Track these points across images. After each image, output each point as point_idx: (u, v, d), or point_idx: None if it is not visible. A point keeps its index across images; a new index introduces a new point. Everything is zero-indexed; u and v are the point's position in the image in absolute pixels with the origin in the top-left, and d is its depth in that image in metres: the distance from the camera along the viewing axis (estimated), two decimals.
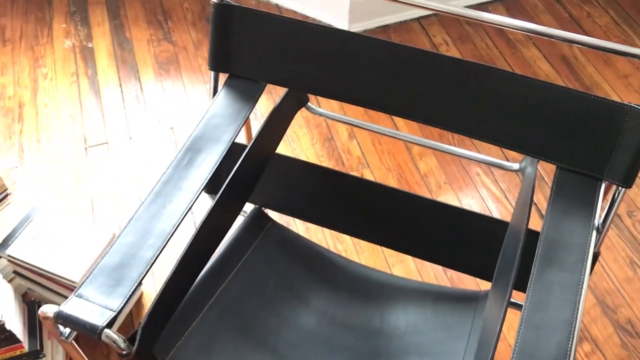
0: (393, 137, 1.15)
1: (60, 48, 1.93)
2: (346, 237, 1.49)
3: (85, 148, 1.68)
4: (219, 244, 1.00)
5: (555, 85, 0.84)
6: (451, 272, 1.43)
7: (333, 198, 1.12)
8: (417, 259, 1.45)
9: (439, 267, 1.44)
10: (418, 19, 2.05)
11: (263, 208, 1.15)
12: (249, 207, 1.14)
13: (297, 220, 1.51)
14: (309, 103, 1.14)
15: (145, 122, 1.75)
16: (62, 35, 1.97)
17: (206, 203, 1.17)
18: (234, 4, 0.96)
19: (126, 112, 1.77)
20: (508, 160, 1.13)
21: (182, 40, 1.96)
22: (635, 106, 0.81)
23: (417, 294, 1.07)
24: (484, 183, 1.61)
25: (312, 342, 0.98)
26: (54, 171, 1.63)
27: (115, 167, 1.64)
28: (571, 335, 0.74)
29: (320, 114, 1.18)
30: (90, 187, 1.59)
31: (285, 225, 1.13)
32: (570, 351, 0.72)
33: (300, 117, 1.74)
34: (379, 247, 1.47)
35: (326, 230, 1.50)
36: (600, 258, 1.47)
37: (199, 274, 0.99)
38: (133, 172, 1.63)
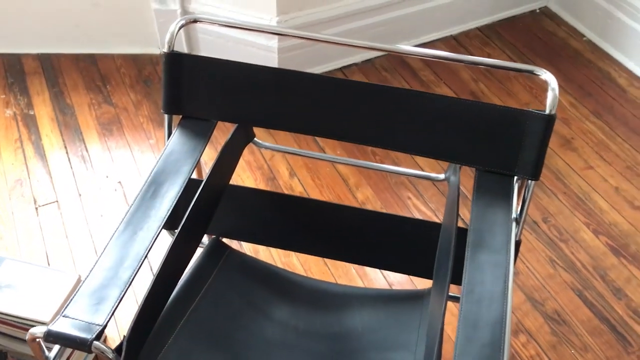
0: (324, 160, 1.29)
1: (1, 117, 1.98)
2: (294, 260, 1.60)
3: (36, 208, 1.72)
4: (180, 276, 1.08)
5: (468, 100, 1.00)
6: (392, 279, 1.56)
7: (282, 219, 1.22)
8: (360, 270, 1.58)
9: (380, 276, 1.57)
10: (341, 68, 2.23)
11: (220, 237, 1.24)
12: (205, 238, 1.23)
13: (244, 244, 1.61)
14: (255, 138, 1.26)
15: (93, 179, 1.81)
16: (1, 105, 2.02)
17: (165, 239, 1.25)
18: (182, 52, 1.08)
19: (73, 171, 1.83)
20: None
21: (122, 101, 2.06)
22: (533, 111, 0.97)
23: (369, 299, 1.18)
24: (415, 205, 1.77)
25: (279, 350, 1.07)
26: (5, 232, 1.66)
27: (68, 223, 1.69)
28: (505, 303, 0.86)
29: (266, 147, 1.30)
30: (44, 243, 1.63)
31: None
32: (506, 316, 0.85)
33: (243, 162, 1.86)
34: (324, 264, 1.59)
35: (275, 255, 1.60)
36: (524, 259, 1.63)
37: (165, 304, 1.05)
38: (85, 226, 1.68)
